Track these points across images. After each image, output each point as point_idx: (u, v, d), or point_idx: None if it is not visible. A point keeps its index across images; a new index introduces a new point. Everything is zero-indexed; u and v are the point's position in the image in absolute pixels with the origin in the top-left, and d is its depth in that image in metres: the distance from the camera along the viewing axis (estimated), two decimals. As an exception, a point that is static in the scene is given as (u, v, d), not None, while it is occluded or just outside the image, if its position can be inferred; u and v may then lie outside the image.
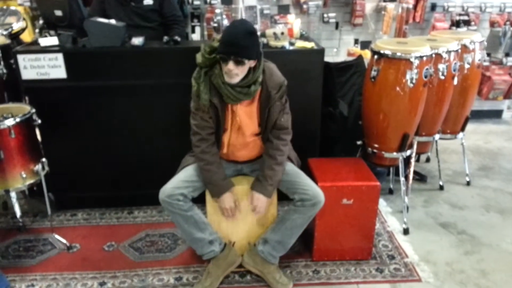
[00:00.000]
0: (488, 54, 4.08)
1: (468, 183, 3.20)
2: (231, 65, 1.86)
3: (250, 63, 1.92)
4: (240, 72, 1.90)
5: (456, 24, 4.05)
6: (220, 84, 1.96)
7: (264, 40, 2.64)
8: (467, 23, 4.05)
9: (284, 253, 2.23)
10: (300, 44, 2.62)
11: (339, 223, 2.30)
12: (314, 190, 2.07)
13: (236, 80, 1.92)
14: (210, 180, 2.09)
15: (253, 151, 2.20)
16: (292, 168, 2.19)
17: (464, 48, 2.76)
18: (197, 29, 3.92)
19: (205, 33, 3.95)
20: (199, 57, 1.98)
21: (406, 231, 2.62)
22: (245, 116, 2.07)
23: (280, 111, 2.08)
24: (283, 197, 2.22)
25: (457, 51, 2.64)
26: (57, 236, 2.55)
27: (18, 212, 2.62)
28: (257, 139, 2.16)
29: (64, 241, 2.52)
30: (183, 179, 2.10)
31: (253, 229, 2.27)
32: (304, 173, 2.19)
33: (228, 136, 2.12)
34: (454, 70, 2.64)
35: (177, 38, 2.59)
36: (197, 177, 2.12)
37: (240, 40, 1.84)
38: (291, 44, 2.62)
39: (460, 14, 4.05)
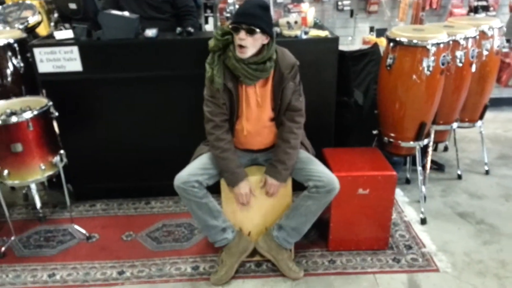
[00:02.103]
0: (508, 40, 3.96)
1: (487, 172, 3.14)
2: (242, 34, 1.89)
3: (262, 38, 1.94)
4: (250, 44, 1.91)
5: (474, 10, 3.95)
6: (236, 65, 1.97)
7: (277, 29, 2.61)
8: (485, 8, 3.95)
9: (299, 239, 2.23)
10: (314, 33, 2.59)
11: (355, 213, 2.29)
12: (328, 176, 2.06)
13: (247, 54, 1.93)
14: (226, 168, 2.10)
15: (268, 138, 2.20)
16: (306, 156, 2.18)
17: (483, 34, 2.69)
18: (210, 19, 3.91)
19: (218, 23, 3.94)
20: (211, 42, 2.01)
21: (423, 221, 2.60)
22: (260, 99, 2.08)
23: (294, 92, 2.09)
24: (297, 187, 2.21)
25: (475, 37, 2.58)
26: (76, 227, 2.60)
27: (38, 203, 2.69)
28: (271, 125, 2.16)
29: (83, 231, 2.57)
30: (199, 166, 2.11)
31: (268, 218, 2.27)
32: (318, 160, 2.18)
33: (242, 123, 2.12)
34: (472, 57, 2.59)
35: (190, 29, 2.59)
36: (212, 165, 2.13)
37: (251, 10, 1.90)
38: (305, 33, 2.59)
39: (478, 0, 3.95)
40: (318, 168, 2.11)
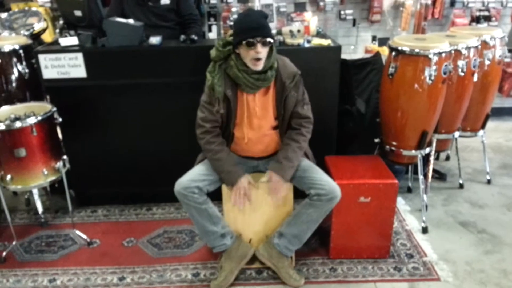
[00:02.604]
0: (510, 50, 3.98)
1: (488, 182, 3.14)
2: (259, 47, 1.91)
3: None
4: (265, 55, 1.95)
5: (476, 19, 3.98)
6: (237, 74, 1.99)
7: (280, 38, 2.64)
8: (487, 18, 3.97)
9: (299, 247, 2.23)
10: (316, 41, 2.61)
11: (356, 221, 2.28)
12: (330, 185, 2.07)
13: (261, 65, 1.96)
14: (222, 169, 2.10)
15: (269, 146, 2.21)
16: (307, 164, 2.19)
17: (484, 44, 2.70)
18: (214, 28, 3.95)
19: (222, 31, 3.97)
20: (213, 52, 2.05)
21: (425, 230, 2.59)
22: (261, 108, 2.09)
23: (298, 102, 2.11)
24: (298, 195, 2.22)
25: (476, 47, 2.60)
26: (78, 232, 2.61)
27: (40, 209, 2.70)
28: (273, 133, 2.17)
29: (84, 236, 2.57)
30: (199, 172, 2.13)
31: (269, 225, 2.27)
32: (320, 168, 2.18)
33: (243, 130, 2.13)
34: (474, 67, 2.60)
35: (194, 37, 2.61)
36: (212, 170, 2.14)
37: (261, 22, 1.93)
38: (308, 41, 2.61)
39: (480, 10, 3.98)
40: (320, 176, 2.11)
